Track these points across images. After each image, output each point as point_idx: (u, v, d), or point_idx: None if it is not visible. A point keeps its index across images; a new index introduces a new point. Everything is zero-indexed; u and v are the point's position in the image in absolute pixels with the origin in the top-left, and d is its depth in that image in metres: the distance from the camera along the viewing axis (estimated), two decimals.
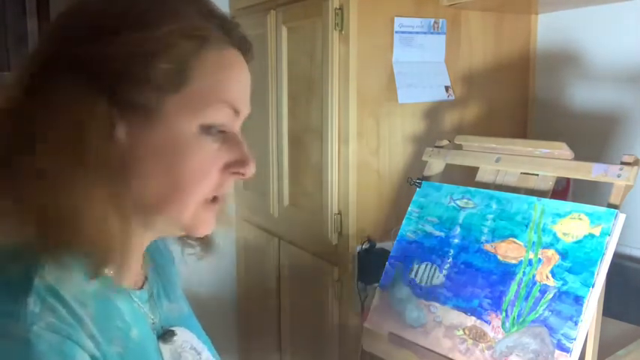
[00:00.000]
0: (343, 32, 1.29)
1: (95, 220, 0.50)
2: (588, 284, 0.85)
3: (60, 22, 0.56)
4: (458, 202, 1.08)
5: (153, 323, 0.63)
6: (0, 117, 0.52)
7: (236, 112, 0.57)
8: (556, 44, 1.51)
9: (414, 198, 1.15)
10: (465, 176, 1.15)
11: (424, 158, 1.20)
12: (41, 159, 0.49)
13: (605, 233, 0.87)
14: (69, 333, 0.49)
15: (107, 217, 0.51)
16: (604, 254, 0.86)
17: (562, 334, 0.85)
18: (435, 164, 1.18)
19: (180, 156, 0.54)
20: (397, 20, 1.32)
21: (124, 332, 0.56)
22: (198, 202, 0.56)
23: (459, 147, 1.16)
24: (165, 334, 0.63)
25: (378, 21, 1.31)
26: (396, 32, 1.32)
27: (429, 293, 1.03)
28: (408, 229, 1.13)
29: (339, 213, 1.35)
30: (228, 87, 0.56)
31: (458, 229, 1.05)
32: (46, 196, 0.49)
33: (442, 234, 1.07)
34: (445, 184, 1.12)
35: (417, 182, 1.16)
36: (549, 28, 1.52)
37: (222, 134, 0.56)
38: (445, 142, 1.19)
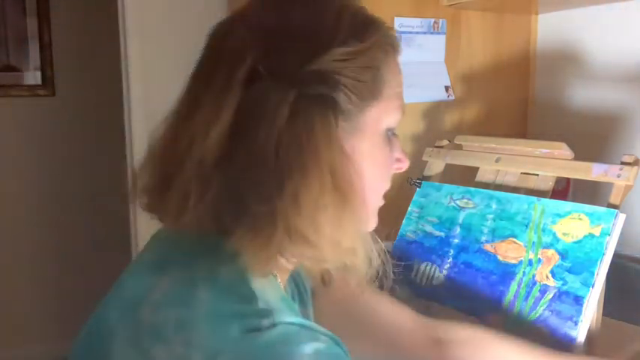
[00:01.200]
0: None
1: (353, 235, 0.54)
2: (588, 284, 0.85)
3: (257, 40, 0.54)
4: (458, 202, 1.08)
5: None
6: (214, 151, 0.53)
7: (403, 113, 0.62)
8: (556, 44, 1.50)
9: (414, 198, 1.15)
10: (465, 176, 1.15)
11: (424, 158, 1.20)
12: (292, 184, 0.50)
13: (605, 233, 0.87)
14: (307, 324, 0.51)
15: (358, 230, 0.55)
16: (604, 254, 0.86)
17: (562, 335, 0.85)
18: (435, 164, 1.18)
19: (380, 158, 0.60)
20: (397, 20, 1.32)
21: None
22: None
23: (459, 147, 1.16)
24: None
25: None
26: (396, 32, 1.32)
27: (429, 293, 1.03)
28: (408, 229, 1.13)
29: None
30: (400, 91, 0.61)
31: (458, 229, 1.05)
32: (304, 220, 0.51)
33: (442, 234, 1.07)
34: (445, 184, 1.12)
35: (417, 182, 1.16)
36: (549, 28, 1.52)
37: (391, 135, 0.61)
38: (445, 142, 1.19)
